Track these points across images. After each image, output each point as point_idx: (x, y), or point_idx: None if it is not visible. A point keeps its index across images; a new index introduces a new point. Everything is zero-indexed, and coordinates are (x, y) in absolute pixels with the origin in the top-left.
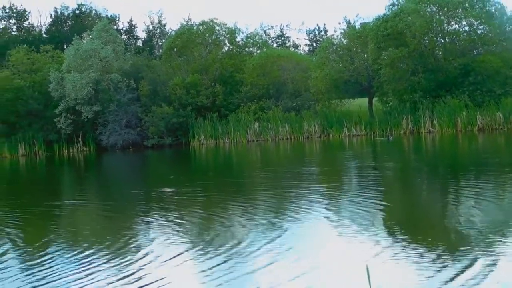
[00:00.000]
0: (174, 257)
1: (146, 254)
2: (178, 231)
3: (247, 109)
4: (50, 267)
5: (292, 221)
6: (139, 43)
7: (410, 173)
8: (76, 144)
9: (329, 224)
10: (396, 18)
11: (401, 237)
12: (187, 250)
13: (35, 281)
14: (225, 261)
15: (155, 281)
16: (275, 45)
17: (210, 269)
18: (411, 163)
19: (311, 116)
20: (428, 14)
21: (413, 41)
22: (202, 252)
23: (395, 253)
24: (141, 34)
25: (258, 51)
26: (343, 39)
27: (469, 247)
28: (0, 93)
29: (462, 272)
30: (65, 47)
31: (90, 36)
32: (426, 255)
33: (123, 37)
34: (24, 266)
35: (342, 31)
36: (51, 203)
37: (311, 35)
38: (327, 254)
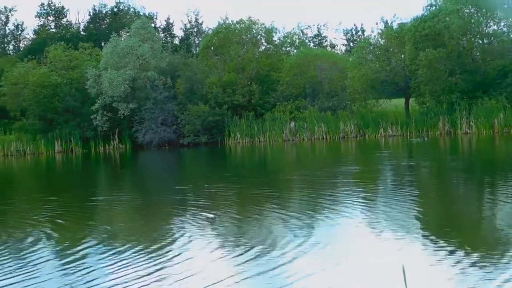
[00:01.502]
0: (208, 253)
1: (181, 250)
2: (212, 228)
3: (283, 108)
4: (85, 263)
5: (327, 221)
6: (176, 41)
7: (446, 174)
8: (112, 141)
9: (365, 225)
10: (434, 18)
11: (438, 239)
12: (221, 247)
13: (71, 277)
14: (257, 259)
15: (189, 276)
16: (312, 44)
17: (242, 266)
18: (447, 164)
19: (347, 116)
20: (466, 15)
21: (451, 42)
22: (236, 250)
23: (431, 255)
24: (178, 32)
25: (295, 51)
26: (380, 39)
27: (507, 251)
28: (37, 90)
29: (499, 276)
30: (102, 44)
31: (128, 34)
32: (463, 257)
33: (160, 35)
34: (60, 262)
35: (379, 31)
36: (87, 200)
37: (348, 35)
38: (362, 254)
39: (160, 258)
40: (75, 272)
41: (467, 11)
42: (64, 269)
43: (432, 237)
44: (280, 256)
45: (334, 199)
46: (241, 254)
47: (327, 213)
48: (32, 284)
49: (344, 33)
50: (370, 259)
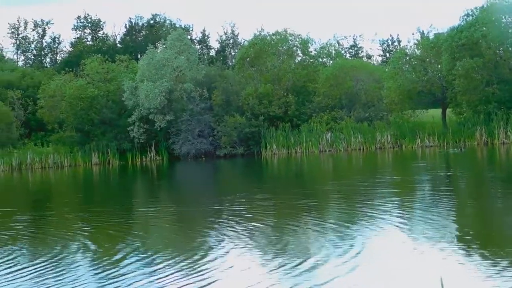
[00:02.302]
0: (244, 264)
1: (219, 261)
2: (250, 239)
3: (319, 119)
4: (122, 273)
5: (365, 232)
6: (212, 53)
7: (484, 184)
8: (149, 153)
9: (402, 235)
10: (471, 28)
11: (475, 249)
12: (258, 258)
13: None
14: (295, 269)
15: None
16: (348, 55)
17: (280, 276)
18: (485, 174)
19: (383, 127)
20: (503, 24)
21: (488, 52)
22: (273, 261)
23: (469, 266)
24: (214, 44)
25: (331, 62)
26: (416, 50)
27: None
28: (74, 102)
29: None
30: (139, 56)
31: (164, 46)
32: (503, 269)
33: (196, 47)
34: (97, 272)
35: (416, 41)
36: (126, 211)
37: (384, 45)
38: (400, 265)
39: (195, 268)
40: (110, 282)
41: (504, 20)
42: (100, 279)
43: (471, 249)
44: (318, 267)
45: (372, 210)
46: (280, 265)
47: (365, 224)
48: None
49: (380, 44)
50: (408, 271)
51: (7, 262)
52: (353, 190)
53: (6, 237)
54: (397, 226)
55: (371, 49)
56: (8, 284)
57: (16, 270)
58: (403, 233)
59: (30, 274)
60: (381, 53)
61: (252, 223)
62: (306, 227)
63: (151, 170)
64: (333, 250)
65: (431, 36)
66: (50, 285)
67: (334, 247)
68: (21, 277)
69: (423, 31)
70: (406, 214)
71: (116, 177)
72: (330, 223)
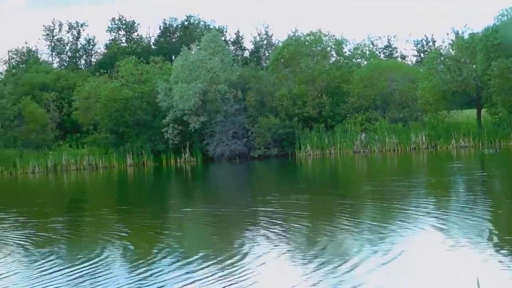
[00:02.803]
0: (282, 265)
1: (256, 263)
2: (286, 239)
3: (353, 120)
4: (160, 274)
5: (402, 232)
6: (246, 54)
7: None
8: (183, 154)
9: (439, 235)
10: (506, 28)
11: None
12: (296, 259)
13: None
14: (334, 270)
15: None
16: (382, 56)
17: (320, 278)
18: None
19: (418, 127)
20: None
21: None
22: (312, 262)
23: (506, 267)
24: (248, 45)
25: (365, 62)
26: (451, 50)
27: None
28: (109, 104)
29: None
30: (173, 58)
31: (198, 47)
32: None
33: (230, 48)
34: (135, 273)
35: (450, 41)
36: (161, 212)
37: (419, 45)
38: (437, 265)
39: (237, 270)
40: (145, 282)
41: None
42: (135, 281)
43: (508, 250)
44: (357, 267)
45: (408, 210)
46: (318, 266)
47: (402, 225)
48: None
49: (414, 44)
50: (446, 271)
51: (46, 264)
52: (388, 191)
53: (44, 238)
54: (434, 227)
55: (405, 49)
56: (48, 286)
57: (56, 271)
58: (440, 234)
59: (69, 275)
60: (416, 53)
61: (289, 224)
62: (343, 228)
63: (185, 171)
64: (371, 250)
65: (466, 36)
66: (89, 286)
67: (372, 247)
68: (61, 278)
69: (457, 31)
70: (443, 215)
71: (151, 178)
72: (367, 224)
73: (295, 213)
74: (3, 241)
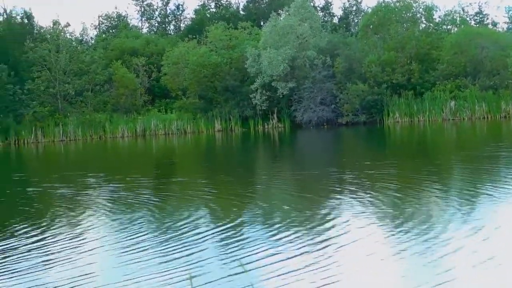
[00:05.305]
0: (366, 232)
1: (340, 230)
2: (370, 208)
3: (443, 88)
4: (244, 240)
5: (491, 203)
6: (335, 20)
7: None
8: (271, 120)
9: None
10: None
11: None
12: (375, 228)
13: (228, 254)
14: (419, 243)
15: (346, 257)
16: (473, 22)
17: (403, 250)
18: None
19: (509, 95)
20: None
21: None
22: (396, 232)
23: None
24: (337, 11)
25: (455, 29)
26: None
27: None
28: (198, 69)
29: None
30: (261, 23)
31: (288, 13)
32: None
33: (319, 14)
34: (217, 239)
35: None
36: (248, 177)
37: (510, 12)
38: None
39: (320, 236)
40: (230, 249)
41: None
42: (220, 247)
43: None
44: (443, 237)
45: (499, 181)
46: (404, 234)
47: (492, 195)
48: (194, 258)
49: (506, 11)
50: None
51: (134, 228)
52: (478, 160)
53: (132, 202)
54: None
55: (496, 16)
56: (137, 250)
57: (143, 235)
58: None
59: (156, 239)
60: (507, 20)
61: (373, 192)
62: (431, 196)
63: (273, 137)
64: (460, 221)
65: None
66: (173, 251)
67: (461, 218)
68: (148, 241)
69: None
70: None
71: (238, 144)
72: (456, 193)
73: (380, 182)
74: (91, 205)
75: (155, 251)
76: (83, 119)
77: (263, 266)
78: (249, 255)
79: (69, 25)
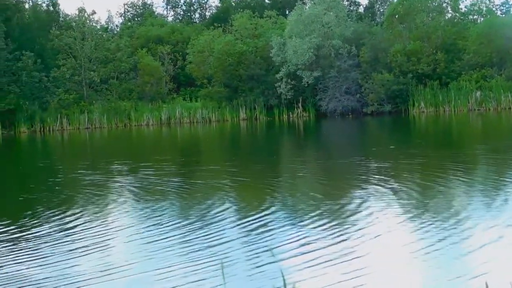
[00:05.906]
0: (390, 223)
1: (363, 221)
2: (400, 198)
3: (468, 78)
4: (267, 229)
5: None
6: (361, 9)
7: None
8: (295, 109)
9: None
10: None
11: None
12: (404, 219)
13: (259, 243)
14: (452, 234)
15: (371, 247)
16: (499, 12)
17: (437, 242)
18: None
19: None
20: None
21: None
22: (428, 224)
23: None
24: (362, 0)
25: (481, 19)
26: None
27: None
28: (223, 58)
29: None
30: (287, 12)
31: (313, 2)
32: None
33: (345, 3)
34: (248, 228)
35: None
36: (272, 165)
37: None
38: None
39: (344, 226)
40: (255, 239)
41: None
42: (245, 236)
43: None
44: (467, 229)
45: None
46: (428, 226)
47: None
48: (225, 247)
49: None
50: None
51: (159, 216)
52: (504, 151)
53: (157, 189)
54: None
55: None
56: (161, 239)
57: (168, 223)
58: None
59: (181, 228)
60: None
61: (397, 182)
62: (456, 187)
63: (298, 126)
64: (494, 212)
65: None
66: (201, 239)
67: (485, 209)
68: (173, 231)
69: None
70: None
71: (264, 133)
72: (485, 184)
73: (405, 172)
74: (121, 192)
75: (187, 240)
76: (108, 107)
77: (294, 256)
78: (280, 245)
79: (94, 12)
